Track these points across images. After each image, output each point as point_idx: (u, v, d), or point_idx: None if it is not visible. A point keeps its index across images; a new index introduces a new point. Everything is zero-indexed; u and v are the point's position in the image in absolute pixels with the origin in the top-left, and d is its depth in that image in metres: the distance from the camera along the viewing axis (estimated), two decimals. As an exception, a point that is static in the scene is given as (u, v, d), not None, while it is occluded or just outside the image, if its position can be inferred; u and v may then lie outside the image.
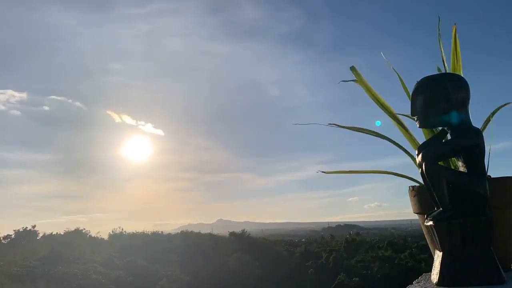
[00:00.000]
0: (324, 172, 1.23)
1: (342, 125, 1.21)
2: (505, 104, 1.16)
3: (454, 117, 0.91)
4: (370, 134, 1.19)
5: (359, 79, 1.18)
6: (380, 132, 1.18)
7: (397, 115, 1.17)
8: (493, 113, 1.15)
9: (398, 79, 1.21)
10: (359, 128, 1.20)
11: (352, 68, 1.18)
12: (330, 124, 1.20)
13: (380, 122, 1.18)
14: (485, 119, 1.12)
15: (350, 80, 1.19)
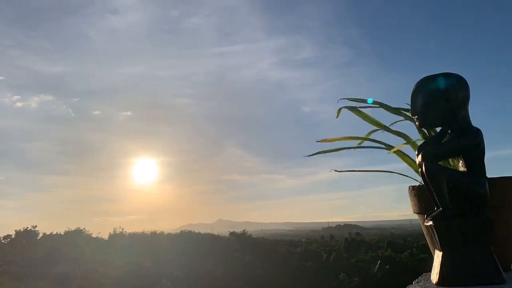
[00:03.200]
0: (336, 171, 1.26)
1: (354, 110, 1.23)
2: None
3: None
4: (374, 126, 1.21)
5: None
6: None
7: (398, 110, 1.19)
8: None
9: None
10: (368, 116, 1.22)
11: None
12: (342, 104, 1.24)
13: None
14: None
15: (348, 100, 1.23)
